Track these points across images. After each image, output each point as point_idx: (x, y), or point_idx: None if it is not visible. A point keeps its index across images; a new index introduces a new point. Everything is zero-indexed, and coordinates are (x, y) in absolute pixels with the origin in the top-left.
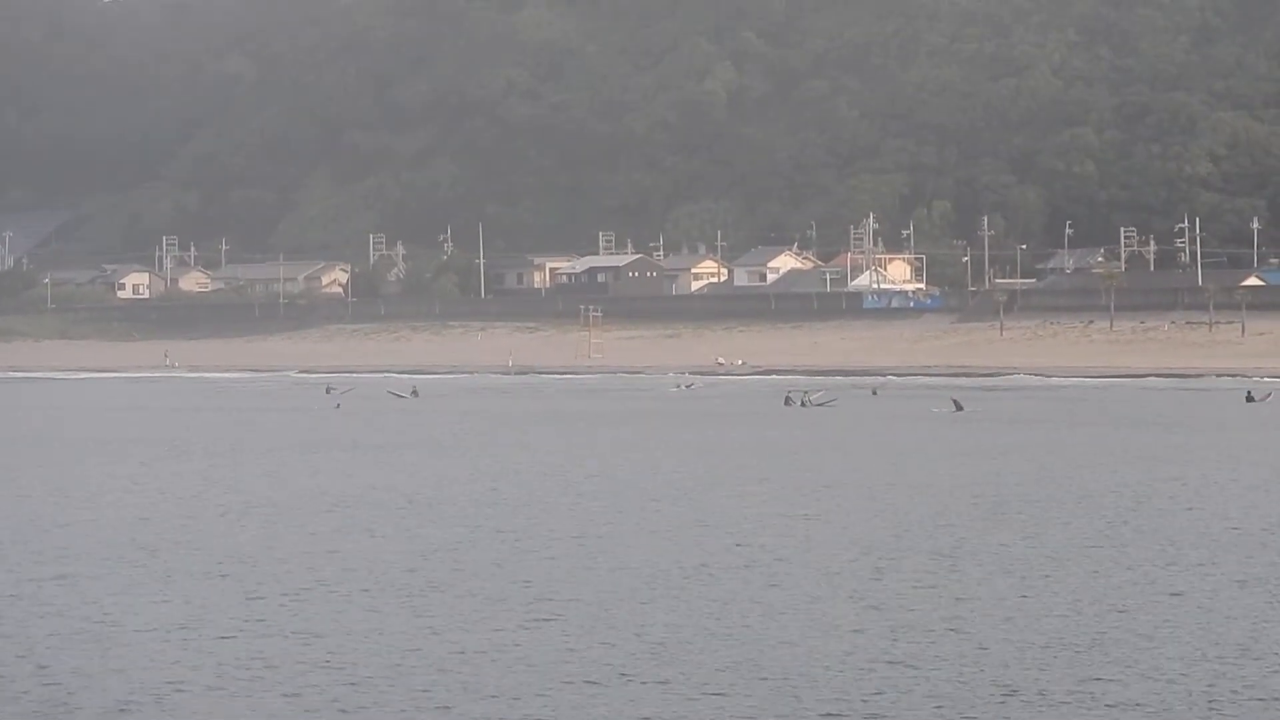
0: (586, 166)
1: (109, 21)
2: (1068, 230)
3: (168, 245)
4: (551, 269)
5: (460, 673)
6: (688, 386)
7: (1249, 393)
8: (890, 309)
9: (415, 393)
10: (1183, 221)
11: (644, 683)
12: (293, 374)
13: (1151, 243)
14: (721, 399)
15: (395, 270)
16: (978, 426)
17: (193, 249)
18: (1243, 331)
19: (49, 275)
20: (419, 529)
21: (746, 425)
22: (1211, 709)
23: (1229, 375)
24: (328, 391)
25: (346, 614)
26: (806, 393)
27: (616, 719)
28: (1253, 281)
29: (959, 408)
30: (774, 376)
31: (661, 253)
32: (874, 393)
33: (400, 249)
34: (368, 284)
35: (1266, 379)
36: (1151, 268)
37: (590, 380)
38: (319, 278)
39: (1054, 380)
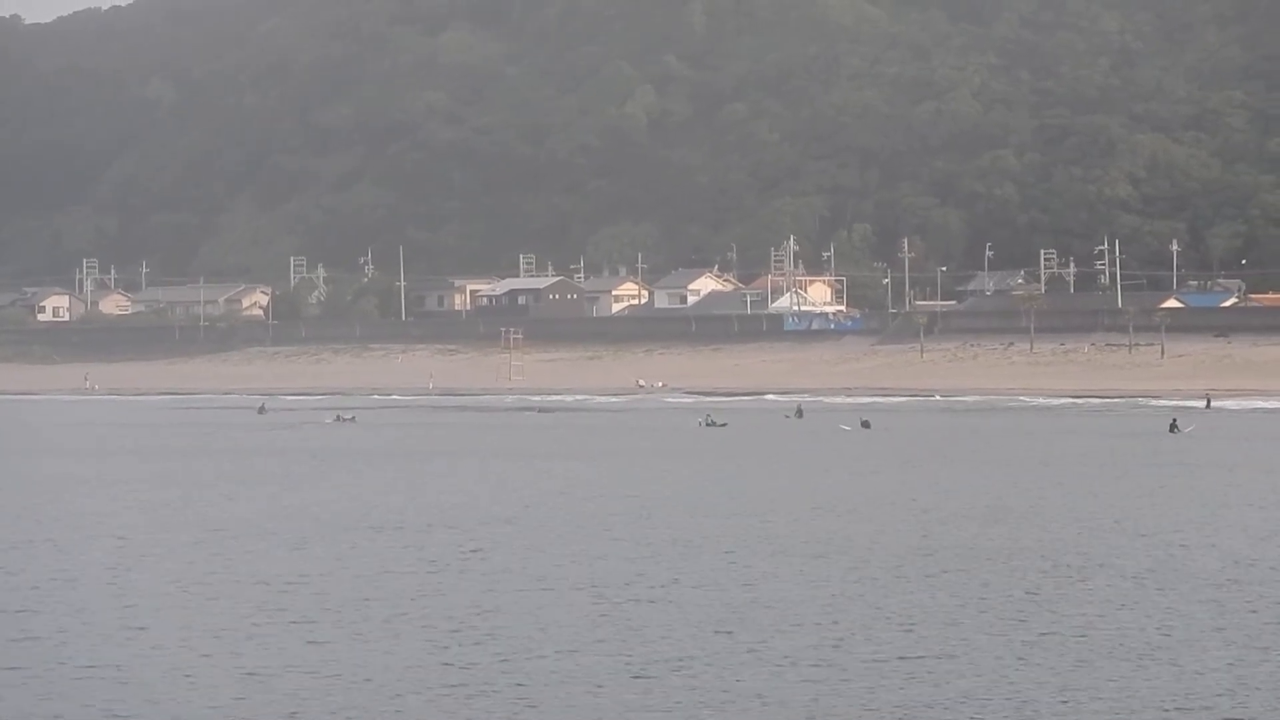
0: (508, 189)
1: (32, 43)
2: (988, 252)
3: (88, 268)
4: (472, 291)
5: None
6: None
7: (1174, 421)
8: (811, 331)
9: (339, 418)
10: (1102, 244)
11: None
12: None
13: (1071, 265)
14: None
15: (316, 293)
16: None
17: (113, 272)
18: (1162, 354)
19: None
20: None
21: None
22: None
23: (1145, 397)
24: (261, 411)
25: None
26: (710, 415)
27: None
28: (1172, 304)
29: (866, 426)
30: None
31: (582, 275)
32: (799, 413)
33: (321, 272)
34: (289, 307)
35: (1182, 402)
36: (1071, 290)
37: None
38: (239, 300)
39: (970, 400)
